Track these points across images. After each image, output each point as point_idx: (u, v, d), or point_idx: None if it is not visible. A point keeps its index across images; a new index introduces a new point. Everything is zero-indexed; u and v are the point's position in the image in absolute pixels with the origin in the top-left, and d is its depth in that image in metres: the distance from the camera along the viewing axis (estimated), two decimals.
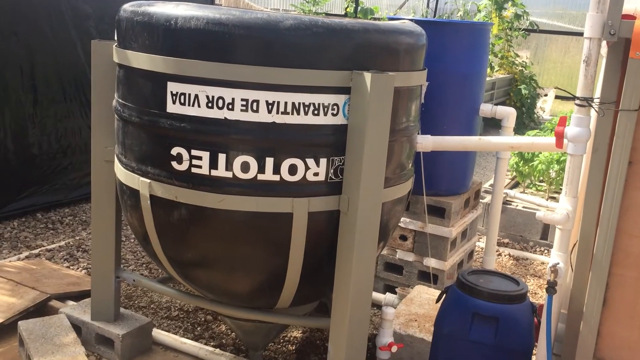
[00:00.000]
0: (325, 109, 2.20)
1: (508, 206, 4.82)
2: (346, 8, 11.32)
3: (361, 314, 2.42)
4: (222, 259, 2.44)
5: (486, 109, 3.48)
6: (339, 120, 2.24)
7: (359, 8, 10.80)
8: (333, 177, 2.29)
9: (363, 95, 2.16)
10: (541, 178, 5.17)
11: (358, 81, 2.17)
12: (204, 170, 2.23)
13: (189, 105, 2.20)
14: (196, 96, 2.18)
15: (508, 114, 3.41)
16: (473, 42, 3.40)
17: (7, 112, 4.51)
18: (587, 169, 2.39)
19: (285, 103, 2.16)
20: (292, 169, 2.22)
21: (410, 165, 2.66)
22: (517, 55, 11.11)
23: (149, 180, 2.35)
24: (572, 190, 2.21)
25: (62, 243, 4.29)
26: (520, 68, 10.94)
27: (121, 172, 2.51)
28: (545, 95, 12.09)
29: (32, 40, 4.60)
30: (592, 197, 2.33)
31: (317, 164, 2.25)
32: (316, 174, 2.26)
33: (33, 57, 4.62)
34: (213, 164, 2.22)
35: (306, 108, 2.18)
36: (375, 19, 10.47)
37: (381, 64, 2.27)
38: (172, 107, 2.23)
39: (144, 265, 4.04)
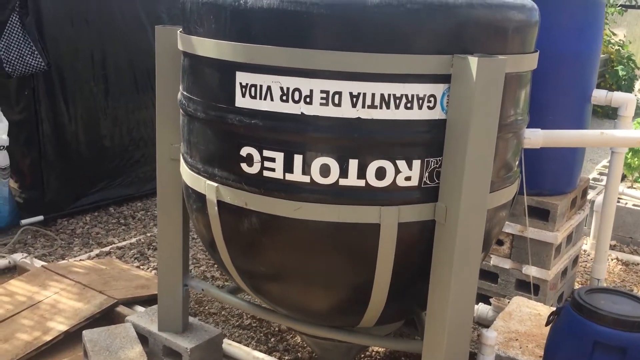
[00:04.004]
0: (420, 101, 1.85)
1: (616, 204, 4.29)
2: None
3: (461, 338, 2.06)
4: (298, 272, 2.14)
5: (600, 95, 3.02)
6: (436, 114, 1.88)
7: None
8: (428, 182, 1.93)
9: (467, 84, 1.79)
10: None
11: (461, 67, 1.80)
12: (278, 174, 1.93)
13: (260, 98, 1.90)
14: (269, 88, 1.88)
15: (627, 101, 2.94)
16: (588, 15, 2.92)
17: (79, 103, 4.38)
18: None
19: (373, 95, 1.82)
20: (380, 173, 1.88)
21: (517, 165, 2.27)
22: (613, 34, 10.28)
23: (216, 184, 2.07)
24: None
25: (133, 240, 4.12)
26: (616, 47, 10.12)
27: (187, 174, 2.25)
28: None
29: (103, 28, 4.44)
30: None
31: (410, 166, 1.90)
32: (408, 179, 1.91)
33: (104, 46, 4.46)
34: (288, 167, 1.91)
35: (397, 100, 1.83)
36: None
37: (487, 46, 1.89)
38: (241, 101, 1.93)
39: (215, 266, 3.81)
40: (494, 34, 1.93)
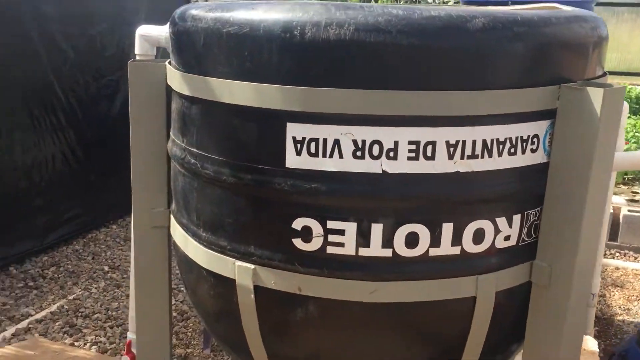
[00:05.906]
0: (524, 144, 1.50)
1: None
2: None
3: None
4: (360, 357, 1.72)
5: None
6: (539, 157, 1.54)
7: None
8: (526, 239, 1.59)
9: (584, 119, 1.46)
10: None
11: (572, 100, 1.47)
12: (348, 250, 1.49)
13: (323, 155, 1.45)
14: (336, 142, 1.43)
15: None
16: None
17: None
18: None
19: (474, 142, 1.44)
20: (478, 236, 1.51)
21: None
22: None
23: (252, 266, 1.59)
24: None
25: (54, 308, 3.42)
26: None
27: (198, 252, 1.73)
28: None
29: None
30: None
31: (510, 223, 1.54)
32: (507, 238, 1.55)
33: None
34: (362, 240, 1.48)
35: (500, 146, 1.47)
36: None
37: (578, 71, 1.58)
38: (294, 160, 1.47)
39: None
40: (584, 56, 1.62)
